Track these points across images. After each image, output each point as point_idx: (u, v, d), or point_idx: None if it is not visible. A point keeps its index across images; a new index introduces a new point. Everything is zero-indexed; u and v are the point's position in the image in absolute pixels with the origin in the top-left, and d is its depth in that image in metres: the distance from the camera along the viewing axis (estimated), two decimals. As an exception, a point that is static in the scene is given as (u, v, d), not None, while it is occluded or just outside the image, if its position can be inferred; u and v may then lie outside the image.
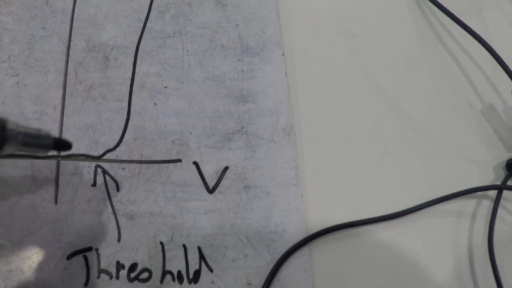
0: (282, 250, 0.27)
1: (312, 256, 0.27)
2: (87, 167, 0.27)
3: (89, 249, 0.26)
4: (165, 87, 0.29)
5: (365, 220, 0.28)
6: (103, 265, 0.26)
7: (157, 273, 0.26)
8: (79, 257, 0.26)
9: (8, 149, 0.20)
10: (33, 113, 0.28)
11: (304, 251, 0.27)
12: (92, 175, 0.27)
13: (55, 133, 0.28)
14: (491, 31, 0.35)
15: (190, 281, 0.26)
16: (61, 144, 0.24)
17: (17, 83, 0.29)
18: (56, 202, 0.27)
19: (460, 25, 0.33)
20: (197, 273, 0.26)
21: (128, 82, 0.29)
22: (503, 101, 0.34)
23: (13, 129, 0.21)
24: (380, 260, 0.28)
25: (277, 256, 0.27)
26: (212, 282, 0.26)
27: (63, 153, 0.27)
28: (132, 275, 0.26)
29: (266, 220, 0.27)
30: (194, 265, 0.26)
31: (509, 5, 0.36)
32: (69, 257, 0.26)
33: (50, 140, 0.23)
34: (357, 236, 0.28)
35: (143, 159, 0.28)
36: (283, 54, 0.30)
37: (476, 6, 0.36)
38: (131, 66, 0.29)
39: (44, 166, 0.27)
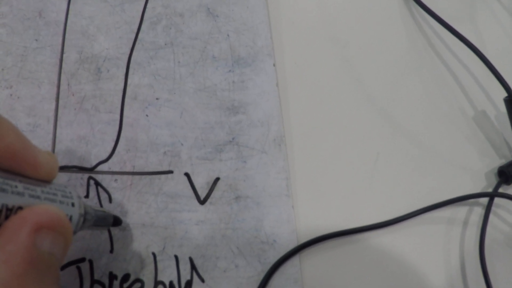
0: (273, 260, 0.27)
1: (303, 266, 0.28)
2: (80, 179, 0.28)
3: (82, 260, 0.27)
4: (157, 99, 0.29)
5: (356, 228, 0.29)
6: (96, 276, 0.26)
7: (149, 284, 0.26)
8: (73, 268, 0.26)
9: (82, 230, 0.21)
10: (26, 125, 0.29)
11: (295, 260, 0.27)
12: (85, 187, 0.28)
13: (48, 145, 0.28)
14: (483, 37, 0.35)
15: (182, 292, 0.26)
16: (116, 221, 0.26)
17: (11, 95, 0.29)
18: (49, 214, 0.27)
19: (452, 32, 0.33)
20: (189, 284, 0.26)
21: (120, 94, 0.29)
22: (495, 107, 0.34)
23: (89, 212, 0.22)
24: (371, 268, 0.28)
25: (268, 266, 0.27)
26: (204, 293, 0.26)
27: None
28: (125, 285, 0.26)
29: (257, 230, 0.27)
30: (185, 275, 0.27)
31: (502, 11, 0.36)
32: (63, 268, 0.26)
33: (111, 218, 0.25)
34: (348, 245, 0.29)
35: (135, 170, 0.28)
36: (274, 65, 0.30)
37: (469, 12, 0.36)
38: (123, 77, 0.30)
39: (37, 178, 0.27)
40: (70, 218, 0.19)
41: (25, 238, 0.15)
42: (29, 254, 0.15)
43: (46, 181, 0.19)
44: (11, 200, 0.16)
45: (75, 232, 0.20)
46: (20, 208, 0.16)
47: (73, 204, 0.20)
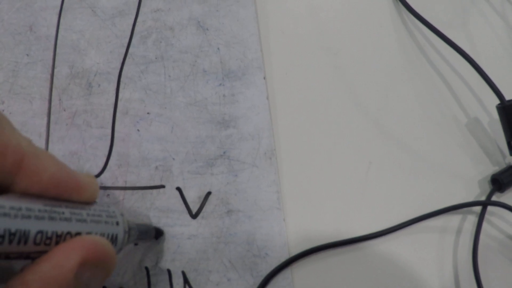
0: (265, 273, 0.27)
1: (295, 278, 0.28)
2: (73, 195, 0.28)
3: (76, 275, 0.27)
4: (148, 113, 0.29)
5: (348, 239, 0.29)
6: (90, 291, 0.27)
7: (142, 298, 0.27)
8: (67, 284, 0.27)
9: (126, 245, 0.22)
10: (19, 142, 0.29)
11: (286, 273, 0.27)
12: (77, 202, 0.28)
13: (40, 161, 0.28)
14: (476, 43, 0.35)
15: (175, 306, 0.27)
16: (158, 232, 0.27)
17: (3, 111, 0.30)
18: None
19: (443, 39, 0.33)
20: (182, 298, 0.27)
21: (111, 109, 0.29)
22: (488, 114, 0.34)
23: (133, 228, 0.22)
24: (364, 279, 0.28)
25: (260, 279, 0.27)
26: (197, 306, 0.27)
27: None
28: (119, 300, 0.27)
29: (249, 244, 0.27)
30: (178, 289, 0.27)
31: (494, 17, 0.36)
32: (57, 283, 0.27)
33: (153, 231, 0.25)
34: (340, 256, 0.29)
35: (127, 185, 0.28)
36: (264, 78, 0.30)
37: (461, 18, 0.36)
38: (114, 92, 0.30)
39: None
40: (116, 237, 0.20)
41: (68, 270, 0.16)
42: (67, 285, 0.16)
43: (89, 202, 0.19)
44: (60, 227, 0.16)
45: (120, 250, 0.21)
46: (68, 233, 0.17)
47: (117, 223, 0.20)
